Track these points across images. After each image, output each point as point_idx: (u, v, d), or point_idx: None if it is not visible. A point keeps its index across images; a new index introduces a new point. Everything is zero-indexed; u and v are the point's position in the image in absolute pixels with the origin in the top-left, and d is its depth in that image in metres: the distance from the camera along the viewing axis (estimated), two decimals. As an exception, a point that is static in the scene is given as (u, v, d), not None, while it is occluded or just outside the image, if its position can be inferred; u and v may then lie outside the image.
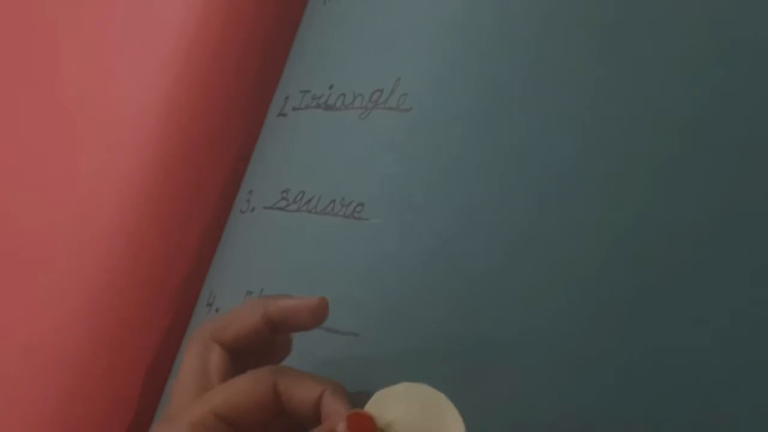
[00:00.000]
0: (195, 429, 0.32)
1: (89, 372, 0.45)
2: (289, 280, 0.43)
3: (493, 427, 0.35)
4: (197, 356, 0.34)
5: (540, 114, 0.39)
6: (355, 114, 0.44)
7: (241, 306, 0.35)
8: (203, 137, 0.49)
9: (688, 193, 0.34)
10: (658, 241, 0.34)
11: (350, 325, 0.40)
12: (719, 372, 0.32)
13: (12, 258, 0.46)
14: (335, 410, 0.32)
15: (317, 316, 0.35)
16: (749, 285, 0.32)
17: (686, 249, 0.34)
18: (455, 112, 0.40)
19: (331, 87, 0.46)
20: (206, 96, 0.49)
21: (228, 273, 0.46)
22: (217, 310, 0.45)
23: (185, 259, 0.47)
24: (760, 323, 0.32)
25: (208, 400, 0.32)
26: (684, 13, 0.37)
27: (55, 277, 0.45)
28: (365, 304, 0.39)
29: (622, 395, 0.33)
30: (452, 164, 0.40)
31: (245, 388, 0.33)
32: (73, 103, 0.49)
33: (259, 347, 0.35)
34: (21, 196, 0.47)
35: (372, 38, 0.46)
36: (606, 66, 0.39)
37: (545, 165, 0.38)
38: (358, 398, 0.34)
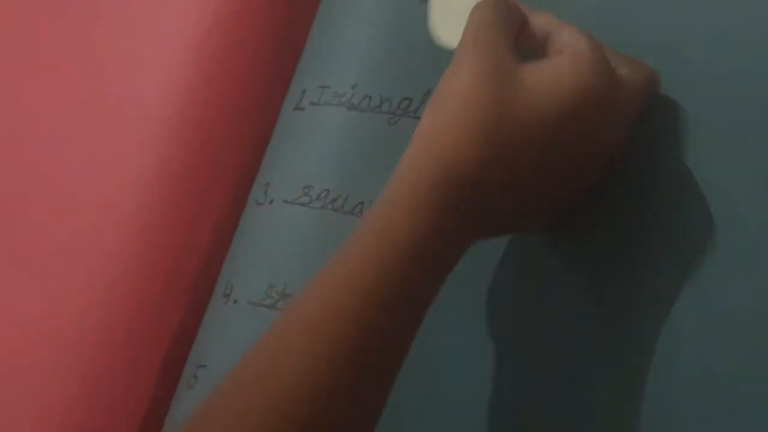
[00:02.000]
0: None
1: (105, 362, 0.45)
2: (312, 273, 0.44)
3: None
4: None
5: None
6: (383, 118, 0.45)
7: None
8: (217, 129, 0.49)
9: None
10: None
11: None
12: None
13: (29, 250, 0.46)
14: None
15: None
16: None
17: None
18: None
19: (354, 86, 0.47)
20: (220, 88, 0.50)
21: (246, 264, 0.47)
22: (235, 301, 0.46)
23: (201, 249, 0.48)
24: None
25: None
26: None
27: (71, 269, 0.46)
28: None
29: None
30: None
31: None
32: (88, 95, 0.49)
33: None
34: (37, 188, 0.47)
35: (398, 42, 0.47)
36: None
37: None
38: None
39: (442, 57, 0.45)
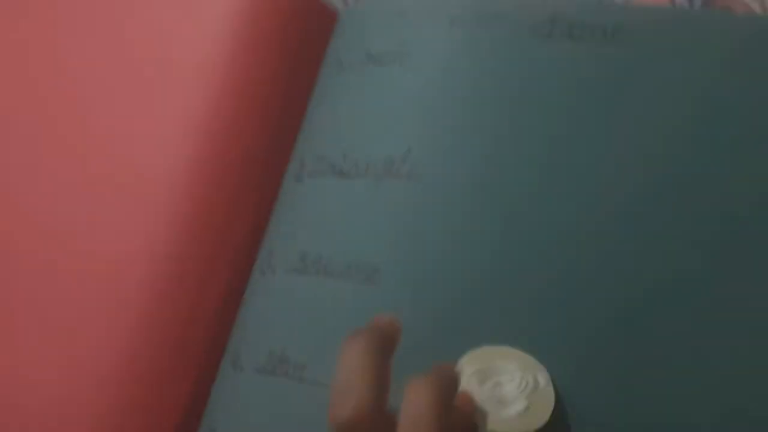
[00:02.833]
0: None
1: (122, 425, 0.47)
2: (310, 342, 0.46)
3: None
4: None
5: (548, 182, 0.42)
6: (368, 181, 0.47)
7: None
8: (224, 200, 0.51)
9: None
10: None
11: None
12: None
13: (35, 320, 0.49)
14: None
15: None
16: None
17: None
18: (464, 181, 0.43)
19: (344, 154, 0.49)
20: (226, 159, 0.52)
21: (251, 333, 0.49)
22: (241, 369, 0.48)
23: (208, 319, 0.49)
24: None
25: None
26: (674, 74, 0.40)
27: (81, 339, 0.48)
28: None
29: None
30: (463, 232, 0.43)
31: None
32: (96, 166, 0.52)
33: None
34: (43, 260, 0.50)
35: (383, 109, 0.48)
36: (609, 132, 0.42)
37: (552, 231, 0.41)
38: None
39: (423, 114, 0.47)
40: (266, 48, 0.54)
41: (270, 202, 0.52)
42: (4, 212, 0.53)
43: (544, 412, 0.37)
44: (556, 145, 0.42)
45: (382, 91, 0.49)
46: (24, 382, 0.48)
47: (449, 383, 0.35)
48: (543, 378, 0.38)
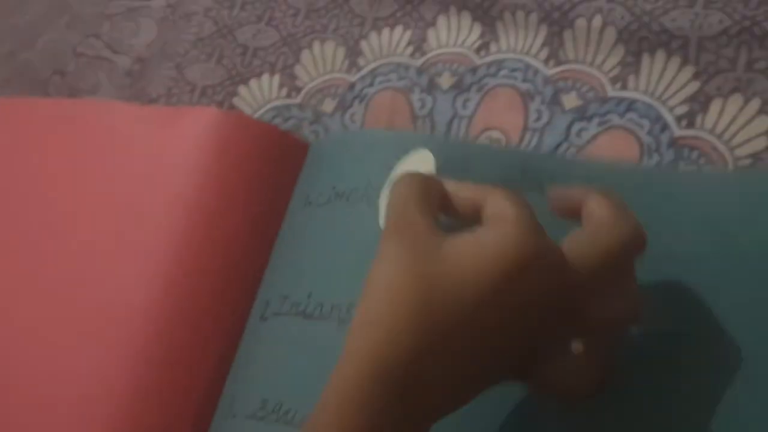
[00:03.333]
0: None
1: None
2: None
3: None
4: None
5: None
6: (332, 325, 0.45)
7: None
8: (186, 339, 0.49)
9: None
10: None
11: None
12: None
13: None
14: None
15: None
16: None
17: None
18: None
19: (309, 295, 0.47)
20: (192, 295, 0.50)
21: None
22: None
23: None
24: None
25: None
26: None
27: None
28: None
29: None
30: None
31: None
32: (66, 305, 0.51)
33: None
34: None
35: (349, 248, 0.47)
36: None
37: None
38: None
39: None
40: (236, 181, 0.53)
41: (235, 341, 0.50)
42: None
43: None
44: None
45: (348, 230, 0.48)
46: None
47: None
48: None
